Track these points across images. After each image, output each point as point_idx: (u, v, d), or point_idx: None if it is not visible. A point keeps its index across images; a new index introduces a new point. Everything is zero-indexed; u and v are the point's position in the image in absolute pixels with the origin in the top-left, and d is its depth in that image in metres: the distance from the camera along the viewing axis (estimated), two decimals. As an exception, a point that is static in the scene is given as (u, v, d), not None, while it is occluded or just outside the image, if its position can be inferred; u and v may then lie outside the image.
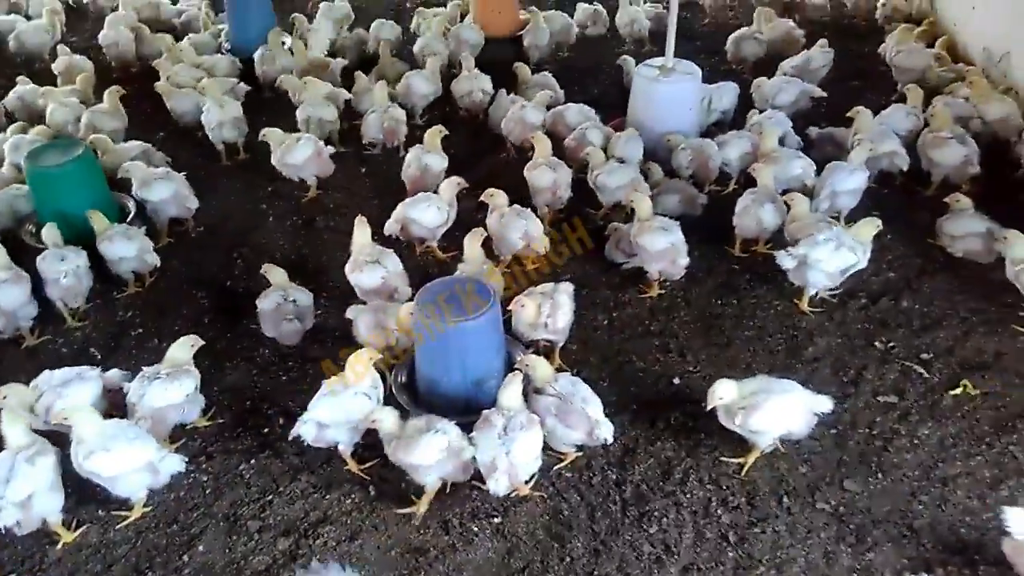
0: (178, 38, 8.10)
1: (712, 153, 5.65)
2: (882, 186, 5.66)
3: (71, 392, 3.82)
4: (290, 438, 3.77)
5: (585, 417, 3.69)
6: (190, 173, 5.82)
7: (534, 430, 3.59)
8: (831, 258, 4.48)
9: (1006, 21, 6.78)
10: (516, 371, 3.76)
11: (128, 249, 4.97)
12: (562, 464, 3.86)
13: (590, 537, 3.56)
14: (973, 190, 5.35)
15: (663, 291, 4.94)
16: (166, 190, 5.42)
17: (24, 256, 4.93)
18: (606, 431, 3.70)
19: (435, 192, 5.30)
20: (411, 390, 4.12)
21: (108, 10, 8.75)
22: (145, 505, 3.74)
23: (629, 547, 3.50)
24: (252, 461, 3.98)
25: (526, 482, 3.71)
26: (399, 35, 7.98)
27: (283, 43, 7.65)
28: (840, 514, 3.57)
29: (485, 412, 3.64)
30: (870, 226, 4.64)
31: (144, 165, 5.61)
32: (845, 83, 7.25)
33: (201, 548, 3.60)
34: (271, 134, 5.84)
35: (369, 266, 4.55)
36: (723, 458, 3.85)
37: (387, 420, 3.61)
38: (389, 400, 3.98)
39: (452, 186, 5.24)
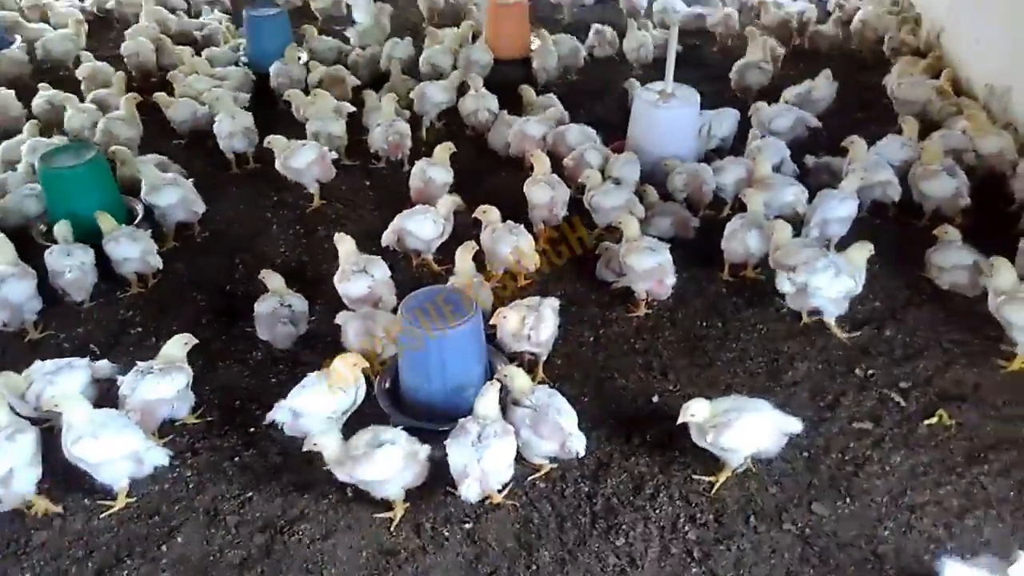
0: (199, 52, 8.38)
1: (707, 178, 5.75)
2: (875, 216, 5.72)
3: (60, 380, 3.98)
4: (266, 422, 3.89)
5: (559, 429, 3.76)
6: (200, 180, 6.03)
7: (507, 439, 3.67)
8: (831, 285, 4.55)
9: (1008, 57, 6.84)
10: (494, 381, 3.86)
11: (132, 250, 5.14)
12: (536, 475, 3.94)
13: (558, 547, 3.62)
14: (965, 223, 5.39)
15: (650, 311, 5.02)
16: (174, 195, 5.61)
17: (33, 254, 5.14)
18: (579, 444, 3.77)
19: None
20: (394, 396, 4.22)
21: (133, 20, 9.06)
22: (129, 496, 3.86)
23: (595, 558, 3.56)
24: (236, 459, 4.10)
25: (499, 491, 3.79)
26: (411, 54, 8.18)
27: (299, 58, 7.89)
28: (806, 536, 3.62)
29: (461, 420, 3.73)
30: (863, 250, 4.70)
31: (154, 170, 5.80)
32: (848, 114, 7.34)
33: (180, 540, 3.72)
34: (275, 141, 6.04)
35: (356, 275, 4.69)
36: (695, 476, 3.91)
37: (329, 445, 3.62)
38: (372, 405, 4.10)
39: (449, 203, 5.37)
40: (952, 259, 4.93)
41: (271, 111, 7.38)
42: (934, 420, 4.17)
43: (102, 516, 3.81)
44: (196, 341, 4.32)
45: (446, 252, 5.37)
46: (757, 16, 9.15)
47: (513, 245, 5.06)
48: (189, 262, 5.63)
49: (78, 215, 5.31)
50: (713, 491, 3.83)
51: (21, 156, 6.13)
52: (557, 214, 5.58)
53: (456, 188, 6.19)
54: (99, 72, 7.56)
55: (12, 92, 7.18)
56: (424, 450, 3.64)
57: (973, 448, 4.02)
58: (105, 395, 4.20)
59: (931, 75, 7.31)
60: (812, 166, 6.09)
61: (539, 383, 4.40)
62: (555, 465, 3.97)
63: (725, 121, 6.51)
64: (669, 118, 6.12)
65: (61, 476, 3.87)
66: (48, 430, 3.96)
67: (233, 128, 6.46)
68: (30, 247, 5.32)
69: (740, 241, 5.09)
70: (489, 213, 5.19)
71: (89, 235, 5.24)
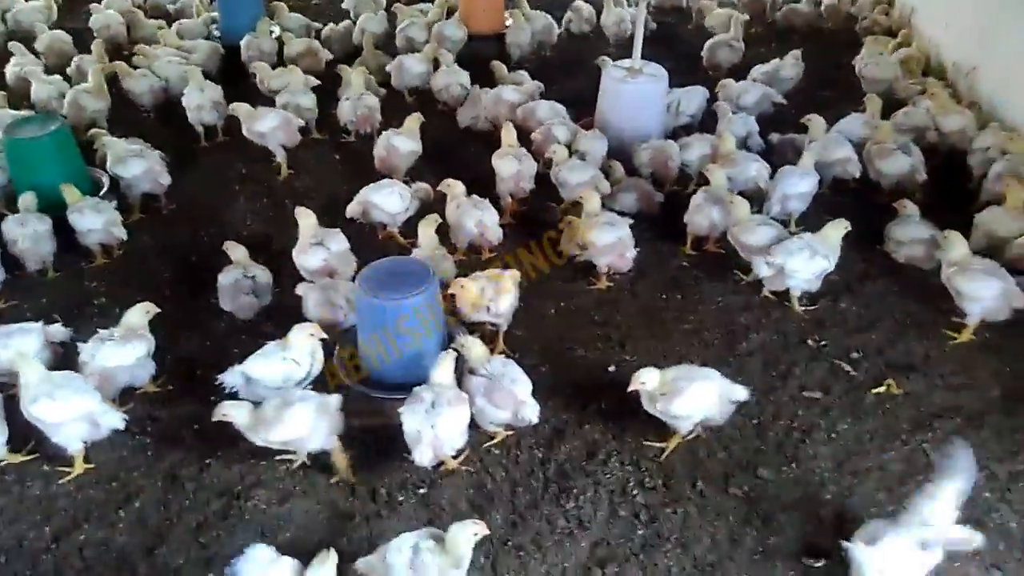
0: (172, 24, 8.33)
1: (672, 153, 5.80)
2: (836, 193, 5.79)
3: (14, 343, 4.01)
4: (217, 382, 3.94)
5: (512, 398, 3.83)
6: (169, 152, 6.03)
7: (461, 407, 3.74)
8: (807, 266, 4.64)
9: (974, 39, 6.92)
10: (449, 351, 3.91)
11: (96, 221, 5.16)
12: (492, 442, 4.01)
13: (509, 510, 3.70)
14: (926, 199, 5.46)
15: (612, 284, 5.08)
16: (139, 167, 5.61)
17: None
18: (532, 413, 3.84)
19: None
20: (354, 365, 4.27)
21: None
22: (88, 462, 3.91)
23: (545, 521, 3.64)
24: (195, 426, 4.14)
25: (454, 457, 3.86)
26: (385, 29, 8.15)
27: (271, 32, 7.86)
28: (750, 499, 3.71)
29: (416, 388, 3.79)
30: (838, 228, 4.78)
31: (120, 141, 5.79)
32: (818, 92, 7.40)
33: (137, 505, 3.77)
34: (239, 107, 6.06)
35: (313, 247, 4.73)
36: (646, 442, 3.99)
37: (239, 414, 3.70)
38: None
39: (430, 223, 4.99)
40: (910, 233, 5.01)
41: (243, 84, 7.34)
42: (882, 389, 4.26)
43: (60, 482, 3.86)
44: (157, 310, 4.36)
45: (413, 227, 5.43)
46: None
47: (477, 219, 5.11)
48: (155, 234, 5.64)
49: (43, 186, 5.31)
50: (663, 457, 3.91)
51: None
52: (523, 187, 5.62)
53: (427, 162, 6.25)
54: (56, 42, 7.51)
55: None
56: (335, 400, 3.73)
57: (918, 417, 4.11)
58: (68, 363, 4.22)
59: (904, 56, 7.38)
60: (777, 142, 6.15)
61: (500, 353, 4.48)
62: (511, 432, 4.04)
63: (694, 99, 6.56)
64: (636, 94, 6.16)
65: (19, 444, 3.92)
66: (11, 397, 3.99)
67: (202, 101, 6.44)
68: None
69: (705, 215, 5.16)
70: (454, 187, 5.22)
71: (55, 206, 5.24)
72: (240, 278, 4.70)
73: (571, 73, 7.72)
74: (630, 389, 3.82)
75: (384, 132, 6.00)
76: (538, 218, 5.70)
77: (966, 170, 5.89)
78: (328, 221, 5.22)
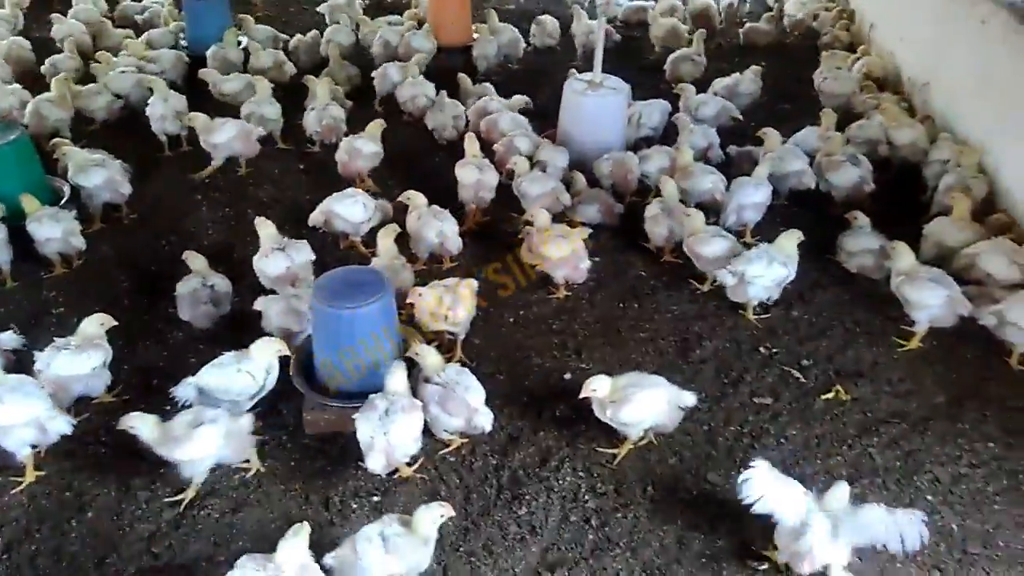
0: (141, 35, 8.32)
1: (632, 165, 5.89)
2: (792, 204, 5.91)
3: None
4: (170, 395, 3.93)
5: (465, 406, 3.88)
6: (132, 161, 6.03)
7: (414, 414, 3.77)
8: (767, 272, 4.73)
9: (928, 53, 7.10)
10: (401, 359, 3.95)
11: (55, 231, 5.14)
12: (446, 450, 4.05)
13: (462, 516, 3.73)
14: (878, 210, 5.56)
15: (570, 293, 5.15)
16: (99, 176, 5.60)
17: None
18: (485, 420, 3.89)
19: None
20: (309, 373, 4.28)
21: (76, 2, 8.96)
22: (40, 471, 3.89)
23: (497, 527, 3.68)
24: (150, 436, 4.13)
25: (409, 464, 3.90)
26: (352, 41, 8.21)
27: (239, 42, 7.88)
28: (699, 504, 3.78)
29: (371, 396, 3.83)
30: (792, 238, 4.89)
31: (82, 151, 5.78)
32: (779, 105, 7.56)
33: (90, 514, 3.76)
34: (196, 118, 6.08)
35: (275, 253, 4.75)
36: (599, 448, 4.05)
37: (144, 427, 3.66)
38: (287, 383, 4.17)
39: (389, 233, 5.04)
40: (861, 244, 5.13)
41: (209, 94, 7.34)
42: (830, 395, 4.36)
43: (13, 492, 3.84)
44: (114, 323, 4.35)
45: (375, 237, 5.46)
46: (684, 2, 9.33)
47: (438, 229, 5.16)
48: (115, 243, 5.63)
49: (2, 195, 5.28)
50: (615, 463, 3.97)
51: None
52: (484, 196, 5.70)
53: (392, 171, 6.31)
54: (16, 50, 7.49)
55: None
56: (247, 421, 3.73)
57: (865, 422, 4.21)
58: (22, 371, 4.19)
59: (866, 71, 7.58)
60: (735, 155, 6.27)
61: (457, 361, 4.53)
62: (465, 440, 4.08)
63: (655, 112, 6.66)
64: (597, 107, 6.25)
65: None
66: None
67: (165, 111, 6.45)
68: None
69: (662, 225, 5.26)
70: (414, 198, 5.27)
71: (15, 216, 5.22)
72: (198, 287, 4.71)
73: (537, 86, 7.79)
74: (581, 396, 3.88)
75: (345, 138, 6.08)
76: (500, 229, 5.76)
77: (919, 182, 6.05)
78: (291, 231, 5.26)
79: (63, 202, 5.62)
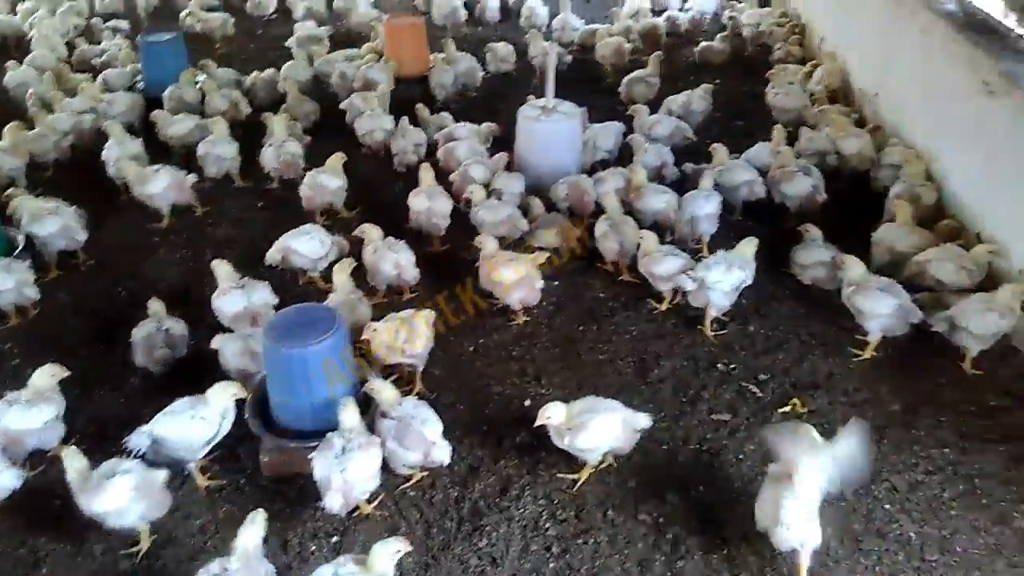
0: (96, 78, 8.32)
1: (588, 188, 5.95)
2: (747, 218, 5.99)
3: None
4: (122, 445, 3.87)
5: (422, 439, 3.86)
6: (89, 206, 6.01)
7: (371, 450, 3.75)
8: (725, 278, 4.78)
9: (876, 65, 7.25)
10: (350, 396, 3.94)
11: (7, 282, 5.09)
12: (407, 484, 4.03)
13: (422, 552, 3.71)
14: (829, 221, 5.65)
15: (529, 318, 5.17)
16: (54, 224, 5.57)
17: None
18: (443, 454, 3.87)
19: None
20: (264, 413, 4.25)
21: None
22: (-9, 527, 3.84)
23: (457, 561, 3.66)
24: (106, 486, 4.08)
25: (369, 501, 3.87)
26: (310, 76, 8.26)
27: (196, 83, 7.89)
28: (659, 525, 3.78)
29: (328, 434, 3.80)
30: (750, 245, 4.98)
31: (35, 200, 5.75)
32: (732, 122, 7.67)
33: (44, 570, 3.70)
34: (128, 169, 6.10)
35: (233, 291, 4.74)
36: (559, 475, 4.04)
37: (72, 471, 3.62)
38: (243, 424, 4.14)
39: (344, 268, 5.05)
40: (813, 256, 5.21)
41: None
42: (788, 408, 4.39)
43: (-35, 551, 3.77)
44: (66, 373, 4.30)
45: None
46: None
47: (394, 261, 5.17)
48: (72, 290, 5.59)
49: (-46, 248, 5.25)
50: (575, 488, 3.97)
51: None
52: (437, 223, 5.74)
53: (352, 202, 6.32)
54: None
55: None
56: (161, 476, 3.68)
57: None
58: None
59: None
60: (691, 172, 6.34)
61: (417, 394, 4.52)
62: (426, 473, 4.07)
63: (610, 135, 6.74)
64: (550, 132, 6.32)
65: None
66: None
67: (120, 154, 6.43)
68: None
69: (612, 240, 5.32)
70: (369, 232, 5.29)
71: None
72: (153, 332, 4.68)
73: (495, 112, 7.88)
74: (536, 424, 3.88)
75: (308, 173, 6.10)
76: (459, 257, 5.78)
77: (869, 191, 6.15)
78: (250, 270, 5.22)
79: (17, 252, 5.58)
